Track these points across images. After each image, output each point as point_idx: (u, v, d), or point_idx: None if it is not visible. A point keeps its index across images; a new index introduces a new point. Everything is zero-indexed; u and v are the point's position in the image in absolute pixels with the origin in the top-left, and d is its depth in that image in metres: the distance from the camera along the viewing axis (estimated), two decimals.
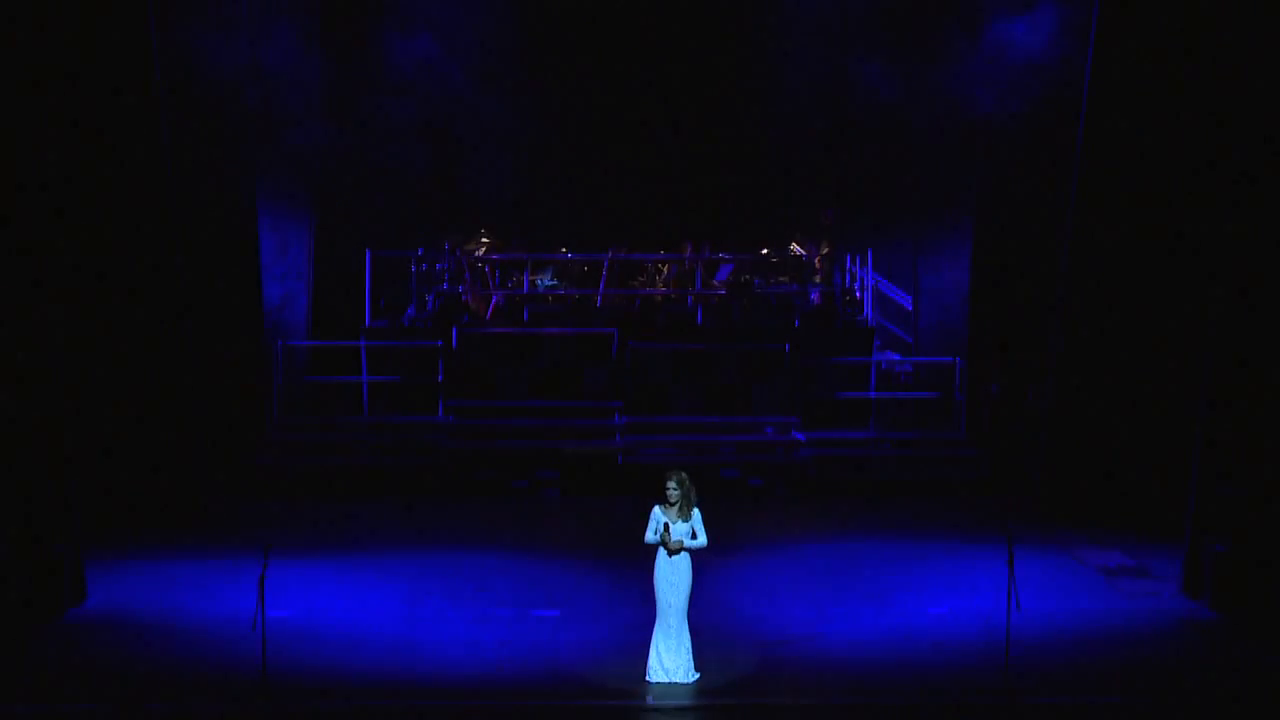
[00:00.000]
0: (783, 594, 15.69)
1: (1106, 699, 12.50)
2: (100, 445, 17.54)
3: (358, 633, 14.26)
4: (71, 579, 14.96)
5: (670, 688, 12.59)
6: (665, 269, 24.19)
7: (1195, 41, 17.45)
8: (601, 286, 23.80)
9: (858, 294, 24.07)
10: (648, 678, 12.71)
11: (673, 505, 12.64)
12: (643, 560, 12.83)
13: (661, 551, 12.67)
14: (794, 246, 24.16)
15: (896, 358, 23.51)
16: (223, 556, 16.72)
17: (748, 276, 23.74)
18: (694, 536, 12.72)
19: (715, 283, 23.86)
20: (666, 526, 12.63)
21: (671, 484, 12.63)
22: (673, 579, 12.67)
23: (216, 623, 14.44)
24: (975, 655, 13.54)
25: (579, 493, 20.71)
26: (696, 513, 12.71)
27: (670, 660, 12.68)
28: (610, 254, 23.90)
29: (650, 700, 12.38)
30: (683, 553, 12.66)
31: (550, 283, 23.93)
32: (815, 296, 23.80)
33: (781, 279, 24.16)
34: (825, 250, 23.93)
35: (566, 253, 24.26)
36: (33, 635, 13.74)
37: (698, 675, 12.75)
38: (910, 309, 24.20)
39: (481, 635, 14.19)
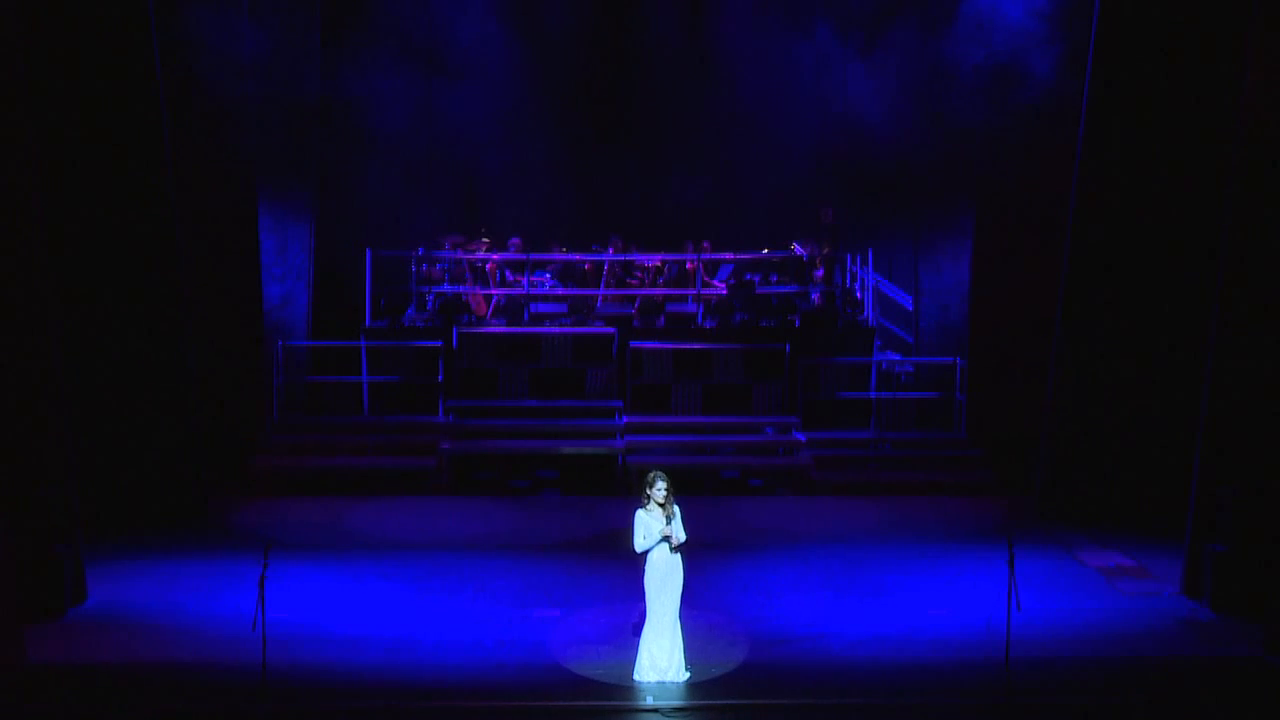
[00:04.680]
0: (783, 594, 15.70)
1: (1106, 699, 12.50)
2: (100, 445, 17.53)
3: (358, 633, 14.26)
4: (72, 579, 14.97)
5: (664, 687, 12.61)
6: (665, 268, 24.19)
7: (1194, 41, 17.44)
8: (601, 286, 23.80)
9: (858, 294, 24.05)
10: (636, 677, 12.74)
11: (661, 505, 12.67)
12: (643, 560, 12.81)
13: (655, 554, 12.68)
14: (794, 246, 24.15)
15: (897, 358, 23.50)
16: (223, 556, 16.73)
17: (748, 276, 23.73)
18: None
19: (715, 282, 23.86)
20: (668, 521, 12.67)
21: (662, 484, 12.66)
22: (670, 580, 12.70)
23: (216, 623, 14.45)
24: (975, 655, 13.55)
25: (579, 492, 20.70)
26: (677, 510, 12.77)
27: (664, 659, 12.71)
28: (610, 254, 23.90)
29: (650, 700, 12.39)
30: (677, 554, 12.71)
31: (550, 283, 23.93)
32: (815, 296, 23.79)
33: (782, 279, 24.15)
34: (825, 250, 23.92)
35: (566, 250, 24.24)
36: (33, 635, 13.72)
37: (689, 674, 12.80)
38: (910, 309, 24.19)
39: (481, 635, 14.20)
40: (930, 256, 23.64)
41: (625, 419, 21.89)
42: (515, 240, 23.94)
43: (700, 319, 23.19)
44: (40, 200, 15.23)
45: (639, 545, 12.69)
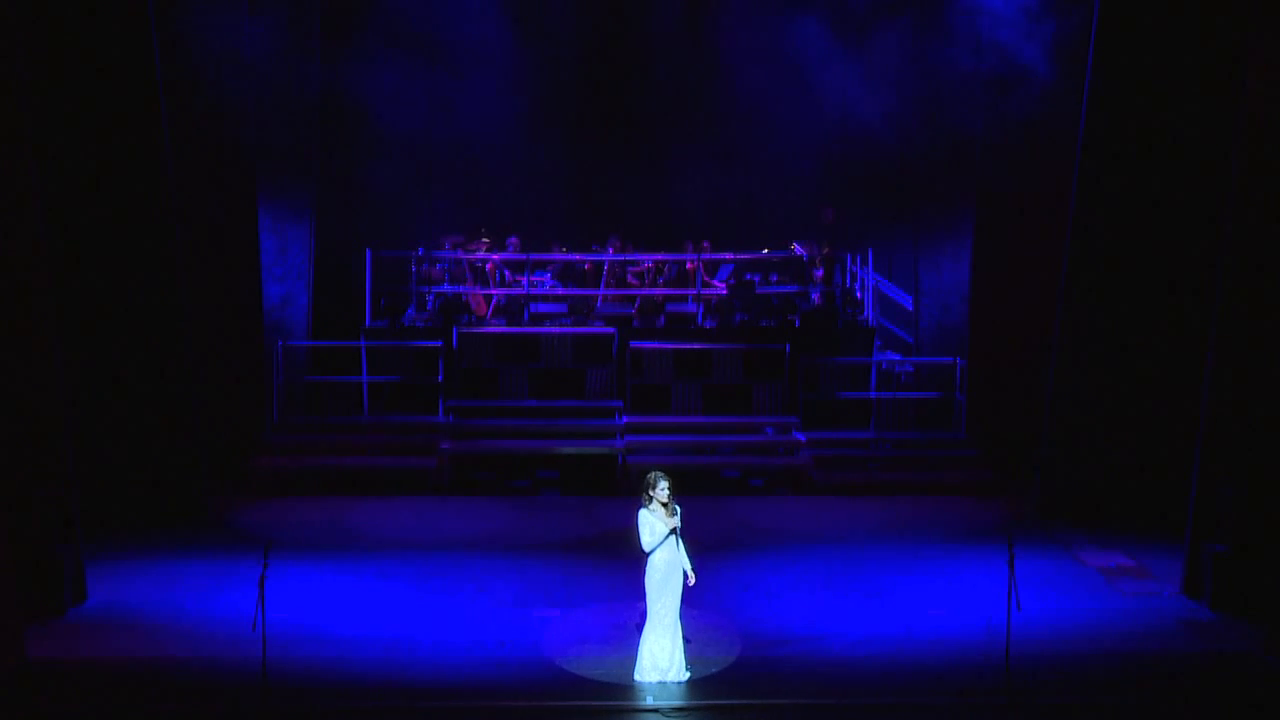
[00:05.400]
0: (782, 594, 15.70)
1: (1106, 699, 12.51)
2: (100, 446, 17.53)
3: (358, 633, 14.26)
4: (72, 579, 14.97)
5: (665, 687, 12.63)
6: (665, 268, 24.19)
7: (1194, 40, 17.43)
8: (601, 286, 23.80)
9: (858, 294, 24.06)
10: (636, 677, 12.77)
11: (664, 505, 12.70)
12: (642, 560, 12.82)
13: (657, 554, 12.70)
14: (794, 246, 24.15)
15: (897, 358, 23.50)
16: (223, 556, 16.72)
17: (748, 276, 23.73)
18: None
19: (715, 282, 23.86)
20: (676, 516, 12.73)
21: (664, 484, 12.69)
22: (671, 580, 12.73)
23: (216, 622, 14.46)
24: (975, 655, 13.55)
25: (579, 493, 20.71)
26: (679, 510, 12.80)
27: (665, 659, 12.74)
28: (610, 254, 23.90)
29: (650, 700, 12.40)
30: (677, 554, 12.72)
31: (550, 283, 23.93)
32: (815, 296, 23.80)
33: (782, 279, 24.15)
34: (825, 250, 23.93)
35: (566, 250, 24.23)
36: (33, 635, 13.72)
37: (689, 674, 12.83)
38: (910, 309, 24.18)
39: (481, 635, 14.20)
40: (930, 256, 23.64)
41: (625, 419, 21.88)
42: (513, 239, 23.93)
43: (700, 319, 23.19)
44: (40, 200, 15.23)
45: (647, 544, 12.70)
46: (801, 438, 21.58)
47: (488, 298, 23.61)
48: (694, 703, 12.39)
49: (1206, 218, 17.10)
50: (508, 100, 24.88)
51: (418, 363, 22.25)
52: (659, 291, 23.71)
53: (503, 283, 23.82)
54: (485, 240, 24.02)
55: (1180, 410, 17.61)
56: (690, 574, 12.81)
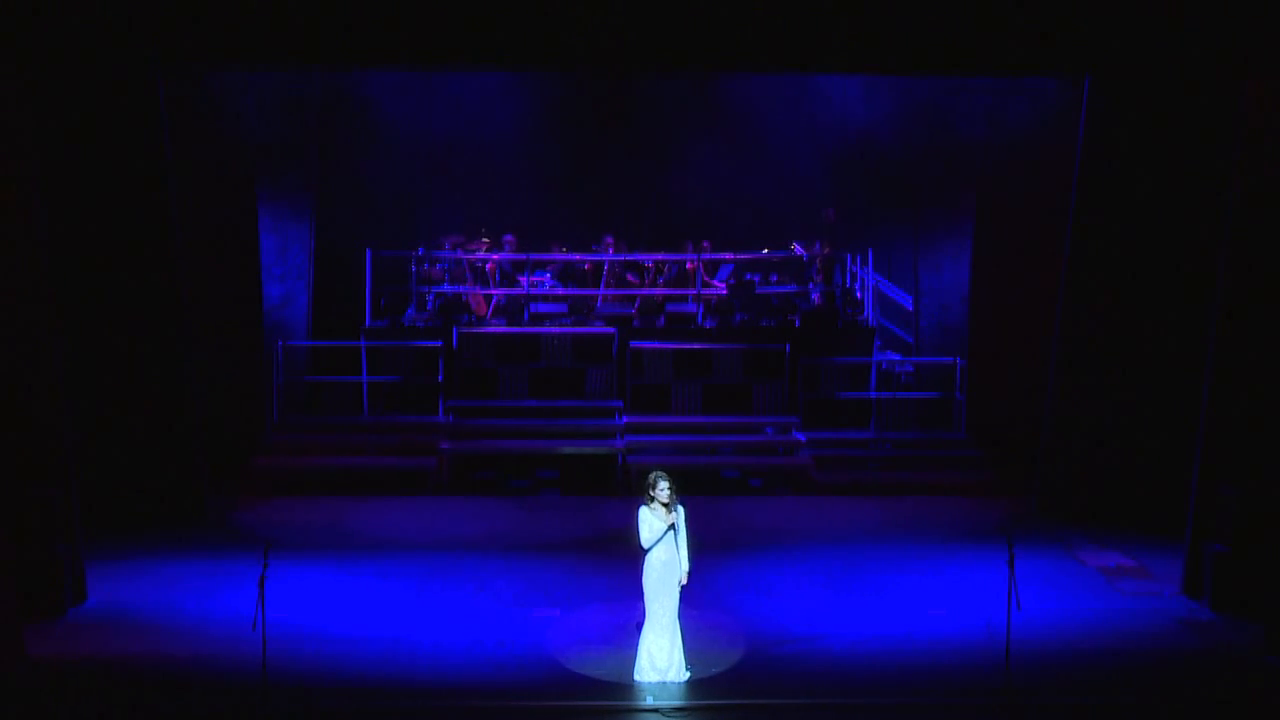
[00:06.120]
0: (783, 594, 15.70)
1: (1106, 699, 12.51)
2: (100, 445, 17.53)
3: (358, 633, 14.26)
4: (72, 579, 14.97)
5: (664, 687, 12.63)
6: (665, 268, 24.18)
7: (1196, 40, 17.42)
8: (601, 286, 23.80)
9: (858, 294, 24.05)
10: (636, 676, 12.77)
11: (664, 504, 12.70)
12: (642, 559, 12.82)
13: (654, 554, 12.70)
14: (794, 246, 24.15)
15: (897, 358, 23.49)
16: (223, 556, 16.72)
17: (748, 276, 23.72)
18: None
19: (715, 282, 23.85)
20: (676, 515, 12.73)
21: (664, 484, 12.69)
22: (668, 579, 12.72)
23: (216, 623, 14.46)
24: (975, 655, 13.55)
25: (579, 493, 20.70)
26: (681, 510, 12.80)
27: (664, 659, 12.74)
28: (610, 254, 23.90)
29: (650, 700, 12.40)
30: (675, 553, 12.73)
31: (551, 283, 23.92)
32: (815, 296, 23.79)
33: (782, 279, 24.14)
34: (825, 250, 23.92)
35: (566, 250, 24.22)
36: (33, 635, 13.72)
37: (690, 673, 12.82)
38: (910, 309, 24.18)
39: (481, 635, 14.20)
40: (930, 256, 23.65)
41: (625, 419, 21.88)
42: (509, 238, 23.86)
43: (700, 319, 23.18)
44: (40, 200, 15.22)
45: (645, 540, 12.70)
46: (801, 438, 21.57)
47: (488, 298, 23.61)
48: (694, 703, 12.38)
49: (1207, 218, 17.09)
50: (508, 100, 24.85)
51: (418, 363, 22.24)
52: (659, 291, 23.71)
53: (503, 282, 23.81)
54: (485, 240, 24.00)
55: (1180, 410, 17.62)
56: (684, 573, 12.78)
